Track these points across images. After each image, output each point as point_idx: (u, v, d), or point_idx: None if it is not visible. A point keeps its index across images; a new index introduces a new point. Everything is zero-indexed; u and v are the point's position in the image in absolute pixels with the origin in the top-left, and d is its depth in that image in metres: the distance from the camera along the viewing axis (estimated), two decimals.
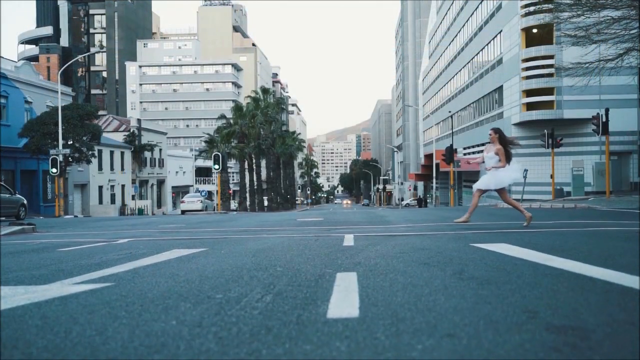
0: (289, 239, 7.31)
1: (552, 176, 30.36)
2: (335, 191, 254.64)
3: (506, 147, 8.57)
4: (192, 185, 68.57)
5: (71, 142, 34.65)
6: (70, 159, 35.15)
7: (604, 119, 24.20)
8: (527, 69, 35.67)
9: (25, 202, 25.73)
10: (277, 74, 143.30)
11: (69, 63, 40.38)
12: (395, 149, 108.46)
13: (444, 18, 64.34)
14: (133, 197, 50.60)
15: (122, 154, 51.17)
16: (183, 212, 34.66)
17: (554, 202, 21.65)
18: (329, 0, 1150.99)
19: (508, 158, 8.58)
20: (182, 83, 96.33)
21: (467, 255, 4.57)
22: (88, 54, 73.01)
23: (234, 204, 53.64)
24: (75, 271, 4.16)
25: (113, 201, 49.06)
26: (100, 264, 4.67)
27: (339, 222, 12.84)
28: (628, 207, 16.52)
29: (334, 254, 5.07)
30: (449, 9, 60.70)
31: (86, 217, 35.90)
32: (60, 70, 35.63)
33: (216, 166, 33.87)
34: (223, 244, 6.80)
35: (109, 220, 20.53)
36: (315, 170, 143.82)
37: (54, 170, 31.47)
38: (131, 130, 53.88)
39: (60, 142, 32.29)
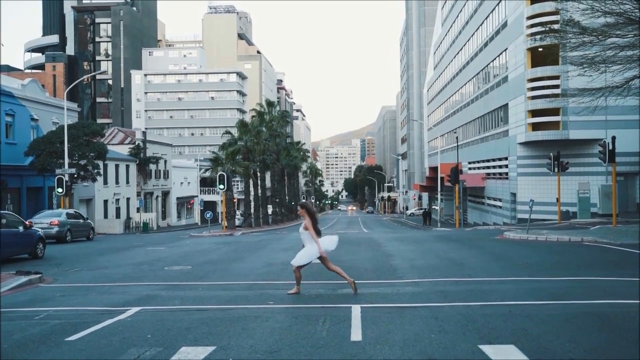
0: (296, 329, 6.99)
1: (558, 199, 30.28)
2: (340, 196, 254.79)
3: (314, 218, 9.12)
4: (197, 196, 68.66)
5: (77, 159, 34.80)
6: (75, 176, 35.30)
7: (610, 147, 24.08)
8: (533, 89, 35.57)
9: (93, 225, 28.42)
10: (281, 80, 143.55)
11: (75, 82, 40.59)
12: (400, 158, 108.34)
13: (448, 31, 64.26)
14: (138, 210, 50.71)
15: (127, 167, 51.35)
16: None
17: (560, 233, 21.57)
18: (335, 4, 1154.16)
19: (315, 227, 9.11)
20: (187, 91, 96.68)
21: None
22: (93, 74, 73.50)
23: (239, 214, 53.62)
24: None
25: (118, 215, 49.18)
26: None
27: (344, 269, 12.85)
28: (635, 244, 16.57)
29: None
30: (454, 22, 60.63)
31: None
32: (67, 89, 35.79)
33: (221, 186, 33.94)
34: (231, 332, 6.90)
35: (115, 252, 20.61)
36: (319, 178, 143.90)
37: (60, 190, 31.61)
38: (136, 143, 54.08)
39: (67, 161, 32.40)
